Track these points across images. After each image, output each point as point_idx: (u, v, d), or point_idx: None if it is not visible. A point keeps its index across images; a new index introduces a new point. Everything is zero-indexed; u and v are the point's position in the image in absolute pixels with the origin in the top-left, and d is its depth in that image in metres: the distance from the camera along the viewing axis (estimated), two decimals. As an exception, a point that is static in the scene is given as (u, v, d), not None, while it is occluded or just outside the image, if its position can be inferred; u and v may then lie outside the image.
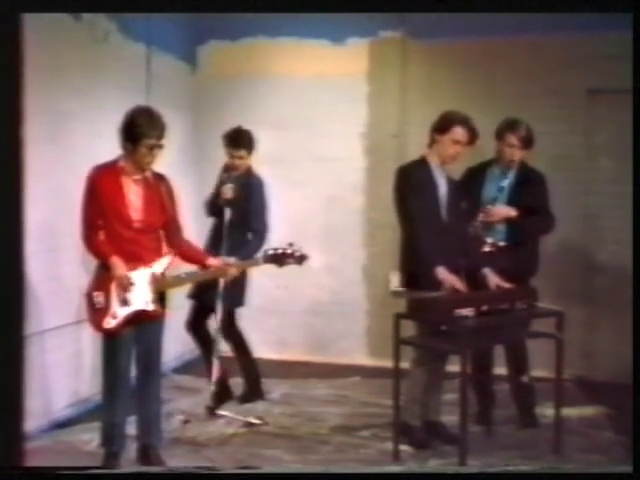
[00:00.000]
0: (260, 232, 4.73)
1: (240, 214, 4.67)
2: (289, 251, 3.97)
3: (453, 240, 4.14)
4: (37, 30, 3.86)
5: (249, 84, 6.21)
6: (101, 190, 3.67)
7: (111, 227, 3.69)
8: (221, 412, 4.64)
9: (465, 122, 4.17)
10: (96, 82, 4.90)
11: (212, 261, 3.95)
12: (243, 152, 4.74)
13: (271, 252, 3.98)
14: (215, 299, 4.56)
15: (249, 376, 4.98)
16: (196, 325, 4.88)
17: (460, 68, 5.79)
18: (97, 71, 4.93)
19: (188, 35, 6.20)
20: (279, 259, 3.99)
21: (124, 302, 3.66)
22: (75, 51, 4.70)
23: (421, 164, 4.25)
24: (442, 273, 3.98)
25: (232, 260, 4.26)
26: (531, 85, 5.65)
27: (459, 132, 4.15)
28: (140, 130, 3.63)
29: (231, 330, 4.85)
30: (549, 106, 5.56)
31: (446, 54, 5.82)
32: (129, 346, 3.76)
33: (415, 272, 4.11)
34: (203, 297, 4.71)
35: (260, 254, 4.07)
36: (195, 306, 4.87)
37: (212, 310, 4.68)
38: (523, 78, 5.68)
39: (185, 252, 3.92)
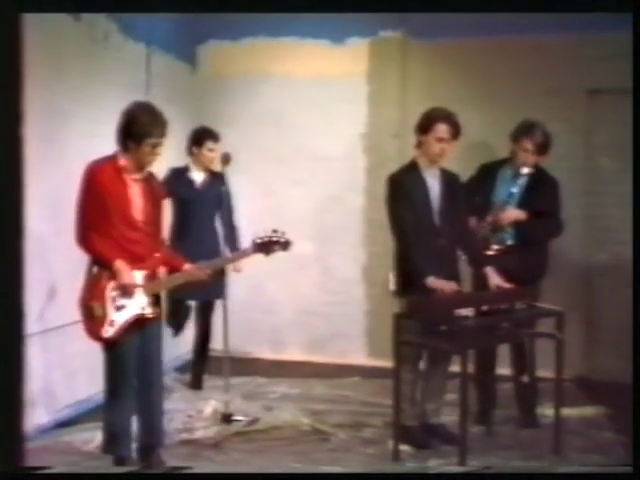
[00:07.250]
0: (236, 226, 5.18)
1: (217, 208, 5.00)
2: (274, 238, 3.94)
3: (447, 242, 4.13)
4: (37, 30, 3.87)
5: (249, 84, 6.21)
6: (103, 188, 3.52)
7: (113, 227, 3.54)
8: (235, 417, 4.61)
9: (446, 118, 4.10)
10: (96, 82, 4.90)
11: (188, 267, 3.80)
12: (214, 144, 5.12)
13: (258, 241, 3.95)
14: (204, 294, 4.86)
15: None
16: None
17: (460, 68, 5.79)
18: (97, 71, 4.92)
19: (188, 35, 6.19)
20: (266, 247, 3.96)
21: (120, 308, 3.57)
22: (75, 51, 4.70)
23: (411, 168, 4.22)
24: (432, 282, 3.95)
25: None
26: (531, 85, 5.63)
27: (442, 129, 4.08)
28: (144, 129, 3.51)
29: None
30: (549, 106, 5.54)
31: (446, 54, 5.81)
32: (132, 351, 3.65)
33: (409, 278, 4.10)
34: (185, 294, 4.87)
35: (249, 245, 4.04)
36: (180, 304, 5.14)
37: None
38: (523, 78, 5.66)
39: (164, 256, 3.78)
